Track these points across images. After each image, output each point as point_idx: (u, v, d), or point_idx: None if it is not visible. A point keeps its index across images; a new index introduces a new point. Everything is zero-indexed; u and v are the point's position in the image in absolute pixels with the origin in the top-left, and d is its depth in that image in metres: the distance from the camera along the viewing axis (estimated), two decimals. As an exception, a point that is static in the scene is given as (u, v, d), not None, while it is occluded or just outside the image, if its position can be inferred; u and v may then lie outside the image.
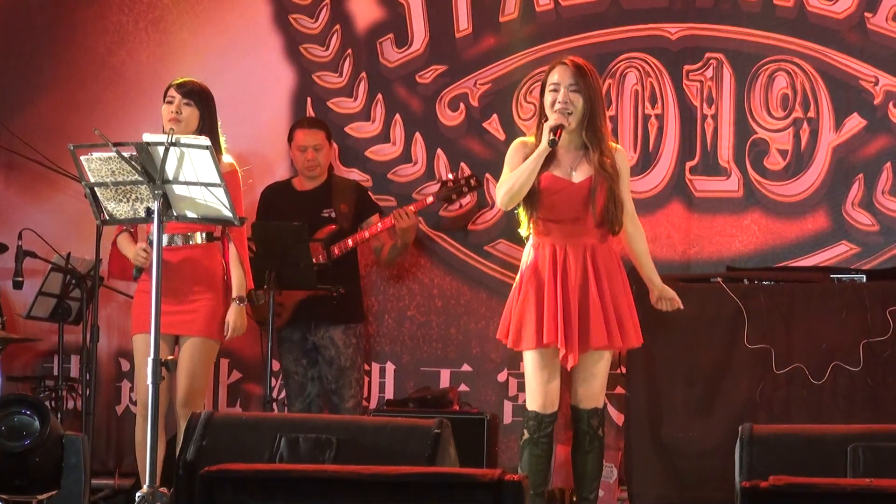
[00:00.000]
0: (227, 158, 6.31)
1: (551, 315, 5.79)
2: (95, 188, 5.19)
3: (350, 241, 7.56)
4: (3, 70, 8.34)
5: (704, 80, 7.91)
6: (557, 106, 5.82)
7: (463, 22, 8.09)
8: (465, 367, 8.02)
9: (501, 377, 7.98)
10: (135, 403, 6.61)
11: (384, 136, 8.13)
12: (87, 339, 7.43)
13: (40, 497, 5.39)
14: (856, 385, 6.99)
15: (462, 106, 8.07)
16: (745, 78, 7.86)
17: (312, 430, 4.94)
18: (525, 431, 5.90)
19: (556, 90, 5.85)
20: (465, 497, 4.47)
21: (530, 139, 5.94)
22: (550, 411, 5.87)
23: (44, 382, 7.83)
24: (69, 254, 7.55)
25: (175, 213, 5.19)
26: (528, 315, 5.83)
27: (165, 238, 6.05)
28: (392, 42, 8.13)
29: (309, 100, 8.17)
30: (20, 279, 7.59)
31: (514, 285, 5.97)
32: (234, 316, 6.32)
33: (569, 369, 5.87)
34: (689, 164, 7.90)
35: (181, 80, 6.38)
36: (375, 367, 8.07)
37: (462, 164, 7.96)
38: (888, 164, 7.77)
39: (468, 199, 8.01)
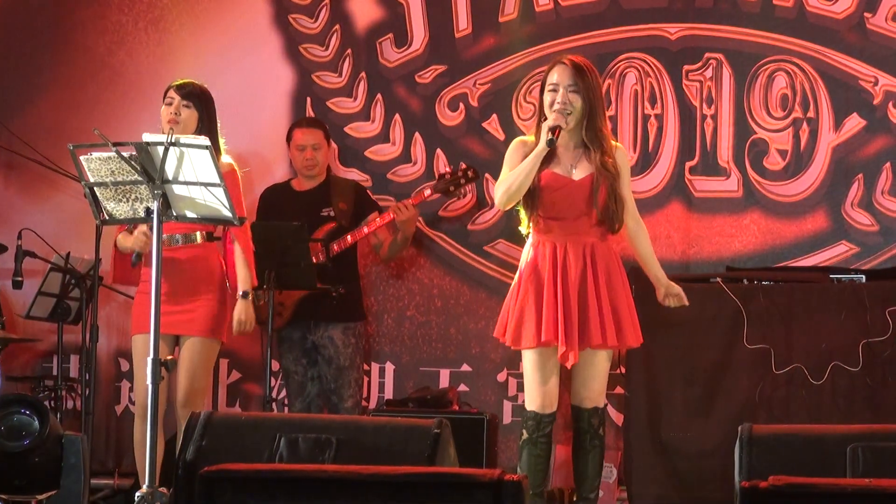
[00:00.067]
0: (225, 159, 6.31)
1: (551, 313, 5.79)
2: (95, 188, 5.18)
3: (349, 238, 7.56)
4: (3, 70, 8.34)
5: (704, 80, 7.91)
6: (556, 106, 5.82)
7: (462, 22, 8.09)
8: (465, 367, 8.02)
9: (501, 377, 7.98)
10: (134, 403, 6.60)
11: (384, 136, 8.13)
12: (86, 338, 7.43)
13: (40, 497, 5.39)
14: (855, 385, 6.99)
15: (462, 106, 8.07)
16: (745, 78, 7.86)
17: (312, 430, 4.94)
18: (524, 431, 5.90)
19: (555, 90, 5.85)
20: (465, 497, 4.47)
21: (530, 138, 5.94)
22: (549, 411, 5.87)
23: (43, 382, 7.82)
24: (69, 254, 7.55)
25: (175, 213, 5.18)
26: (528, 313, 5.83)
27: (165, 237, 6.05)
28: (392, 42, 8.13)
29: (308, 100, 8.18)
30: (20, 279, 7.59)
31: (514, 283, 5.97)
32: (240, 311, 6.32)
33: (568, 367, 5.87)
34: (688, 164, 7.91)
35: (181, 82, 6.38)
36: (375, 366, 8.07)
37: (461, 164, 7.95)
38: (888, 165, 7.77)
39: (468, 198, 8.02)
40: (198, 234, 6.30)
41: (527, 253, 5.94)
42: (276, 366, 7.60)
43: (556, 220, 5.88)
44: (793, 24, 7.84)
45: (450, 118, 8.09)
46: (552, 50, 7.89)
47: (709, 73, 7.90)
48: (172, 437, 6.63)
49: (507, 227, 7.82)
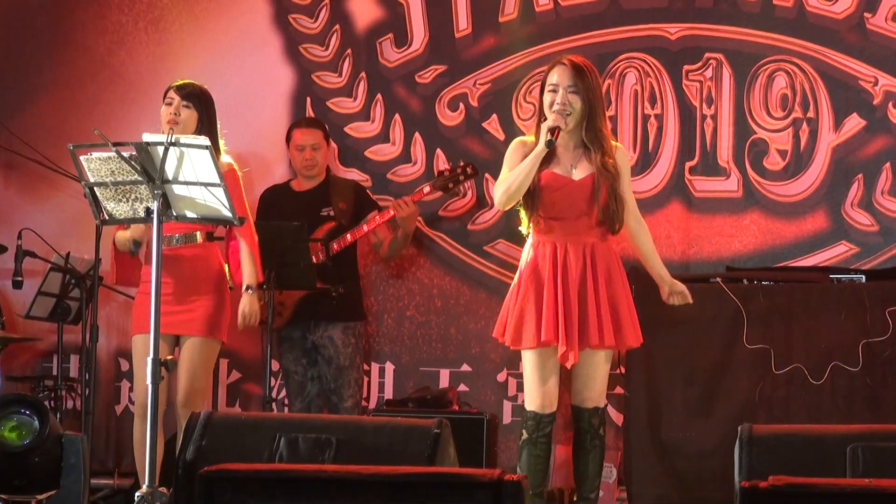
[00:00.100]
0: (225, 158, 6.31)
1: (550, 313, 5.79)
2: (95, 188, 5.18)
3: (349, 236, 7.57)
4: (3, 70, 8.34)
5: (704, 80, 7.91)
6: (555, 107, 5.82)
7: (462, 22, 8.09)
8: (465, 367, 8.02)
9: (501, 377, 7.98)
10: (134, 403, 6.60)
11: (384, 136, 8.13)
12: (86, 338, 7.43)
13: (39, 497, 5.39)
14: (855, 385, 6.99)
15: (461, 106, 8.08)
16: (745, 78, 7.86)
17: (312, 429, 4.94)
18: (524, 431, 5.90)
19: (554, 91, 5.85)
20: (465, 497, 4.47)
21: (530, 138, 5.94)
22: (549, 411, 5.87)
23: (43, 382, 7.82)
24: (69, 253, 7.55)
25: (175, 213, 5.18)
26: (528, 313, 5.83)
27: (165, 237, 6.05)
28: (392, 42, 8.13)
29: (308, 100, 8.18)
30: (20, 279, 7.59)
31: (513, 283, 5.97)
32: (244, 305, 6.31)
33: (568, 367, 5.87)
34: (688, 165, 7.91)
35: (181, 83, 6.38)
36: (375, 366, 8.07)
37: (460, 161, 7.95)
38: (887, 165, 7.77)
39: (469, 198, 8.02)
40: (198, 233, 6.30)
41: (527, 253, 5.94)
42: (275, 366, 7.60)
43: (557, 220, 5.88)
44: (793, 24, 7.84)
45: (450, 118, 8.09)
46: (552, 50, 7.89)
47: (709, 73, 7.90)
48: (172, 437, 6.63)
49: (507, 227, 7.82)
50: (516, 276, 5.97)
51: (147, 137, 5.08)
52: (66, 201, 8.09)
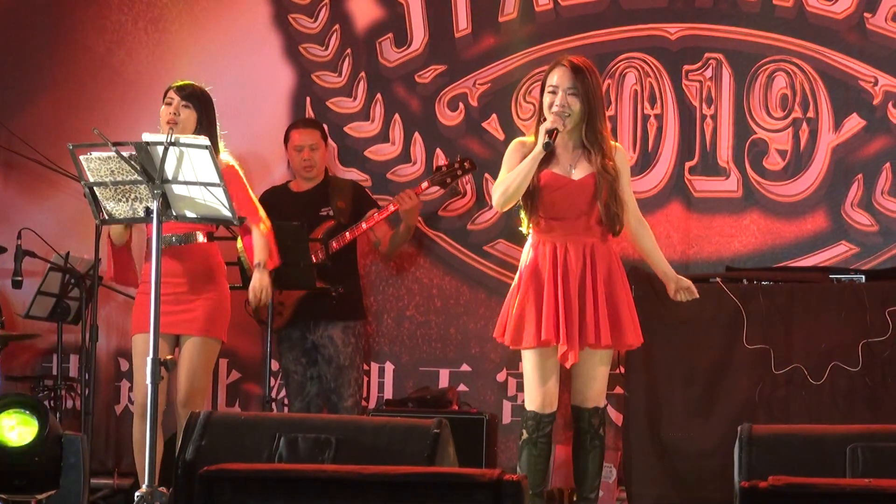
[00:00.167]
0: (224, 157, 6.30)
1: (551, 313, 5.78)
2: (95, 188, 5.19)
3: (348, 235, 7.57)
4: (3, 70, 8.34)
5: (704, 80, 7.91)
6: (555, 108, 5.82)
7: (462, 22, 8.09)
8: (465, 367, 8.02)
9: (500, 377, 7.98)
10: (134, 403, 6.60)
11: (383, 136, 8.13)
12: (86, 338, 7.43)
13: (39, 497, 5.39)
14: (855, 385, 6.99)
15: (461, 106, 8.08)
16: (745, 78, 7.86)
17: (311, 429, 4.93)
18: (524, 431, 5.90)
19: (554, 92, 5.84)
20: (464, 497, 4.46)
21: (529, 139, 5.94)
22: (549, 411, 5.87)
23: (43, 382, 7.82)
24: (68, 253, 7.55)
25: (174, 213, 5.19)
26: (528, 313, 5.82)
27: (165, 237, 6.05)
28: (391, 42, 8.13)
29: (308, 99, 8.18)
30: (19, 279, 7.59)
31: (514, 284, 5.96)
32: (256, 280, 6.25)
33: (568, 367, 5.86)
34: (688, 165, 7.91)
35: (181, 83, 6.37)
36: (374, 366, 8.07)
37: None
38: (887, 165, 7.77)
39: (468, 198, 8.02)
40: (198, 233, 6.29)
41: (527, 253, 5.94)
42: (275, 366, 7.60)
43: (556, 221, 5.88)
44: (793, 24, 7.84)
45: (449, 118, 8.09)
46: (552, 50, 7.89)
47: (708, 73, 7.90)
48: (172, 437, 6.63)
49: (507, 227, 7.82)
50: (516, 277, 5.96)
51: (147, 137, 5.08)
52: (66, 201, 8.09)
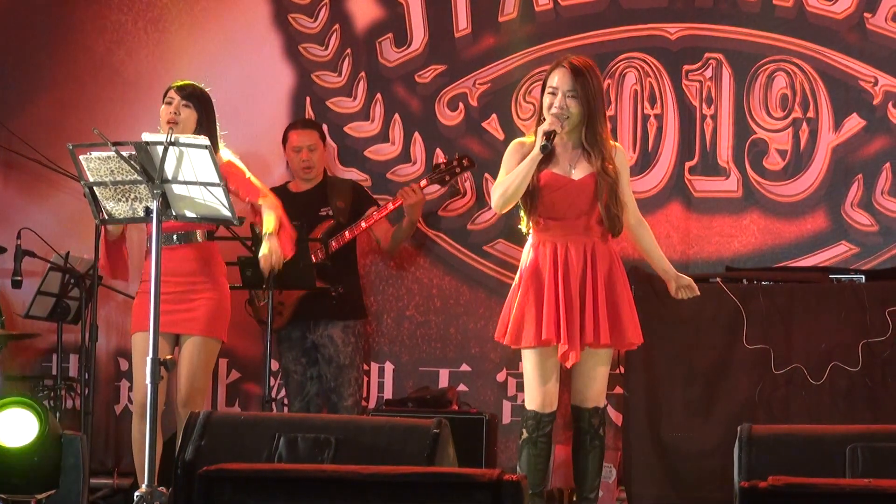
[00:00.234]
0: (224, 154, 6.30)
1: (551, 312, 5.78)
2: (94, 187, 5.19)
3: (347, 234, 7.57)
4: (3, 69, 8.34)
5: (704, 80, 7.91)
6: (553, 110, 5.81)
7: (462, 22, 8.09)
8: (464, 367, 8.02)
9: (500, 377, 7.98)
10: (133, 402, 6.60)
11: (383, 136, 8.13)
12: (85, 338, 7.43)
13: (39, 496, 5.39)
14: (855, 385, 6.99)
15: (461, 106, 8.07)
16: (745, 78, 7.86)
17: (311, 429, 4.93)
18: (524, 431, 5.90)
19: (553, 94, 5.84)
20: (464, 497, 4.46)
21: (528, 139, 5.93)
22: (549, 411, 5.87)
23: (42, 382, 7.82)
24: (68, 253, 7.54)
25: (174, 213, 5.19)
26: (528, 313, 5.82)
27: (165, 236, 6.04)
28: (391, 42, 8.13)
29: (308, 99, 8.18)
30: (19, 278, 7.59)
31: (514, 284, 5.96)
32: (265, 247, 6.20)
33: (568, 367, 5.86)
34: (688, 165, 7.91)
35: (181, 83, 6.37)
36: (374, 366, 8.07)
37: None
38: (887, 165, 7.77)
39: (468, 198, 8.02)
40: (197, 232, 6.29)
41: (527, 253, 5.94)
42: (275, 365, 7.60)
43: (557, 220, 5.88)
44: (793, 24, 7.84)
45: (449, 118, 8.09)
46: (552, 50, 7.89)
47: (708, 73, 7.90)
48: (172, 437, 6.63)
49: (507, 227, 7.82)
50: (517, 277, 5.96)
51: (146, 137, 5.08)
52: (66, 201, 8.09)
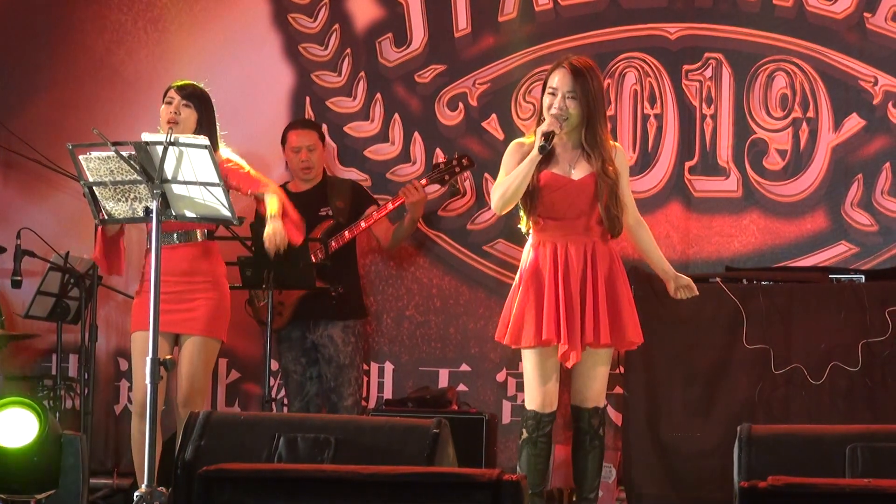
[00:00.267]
0: (223, 152, 6.29)
1: (551, 312, 5.78)
2: (94, 187, 5.19)
3: (347, 234, 7.57)
4: (3, 69, 8.34)
5: (703, 79, 7.91)
6: (553, 111, 5.81)
7: (462, 21, 8.09)
8: (464, 367, 8.02)
9: (500, 377, 7.98)
10: (133, 402, 6.59)
11: (383, 136, 8.13)
12: (85, 338, 7.43)
13: (38, 496, 5.39)
14: (854, 385, 6.99)
15: (461, 105, 8.07)
16: (745, 78, 7.86)
17: (311, 429, 4.93)
18: (523, 431, 5.89)
19: (553, 94, 5.83)
20: (464, 497, 4.46)
21: (528, 140, 5.93)
22: (549, 411, 5.87)
23: (42, 382, 7.82)
24: (68, 253, 7.54)
25: (174, 213, 5.19)
26: (528, 313, 5.82)
27: (165, 236, 6.04)
28: (391, 41, 8.13)
29: (308, 99, 8.17)
30: (19, 278, 7.58)
31: (514, 284, 5.96)
32: (269, 228, 6.15)
33: (569, 367, 5.86)
34: (688, 164, 7.90)
35: (182, 83, 6.37)
36: (374, 366, 8.06)
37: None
38: (887, 165, 7.77)
39: (468, 197, 8.02)
40: (197, 232, 6.28)
41: (527, 254, 5.93)
42: (275, 365, 7.60)
43: (556, 221, 5.87)
44: (792, 24, 7.84)
45: (449, 118, 8.09)
46: (551, 50, 7.89)
47: (708, 72, 7.89)
48: (171, 437, 6.63)
49: (507, 227, 7.82)
50: (517, 277, 5.96)
51: (146, 137, 5.08)
52: (66, 201, 8.09)
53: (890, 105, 7.76)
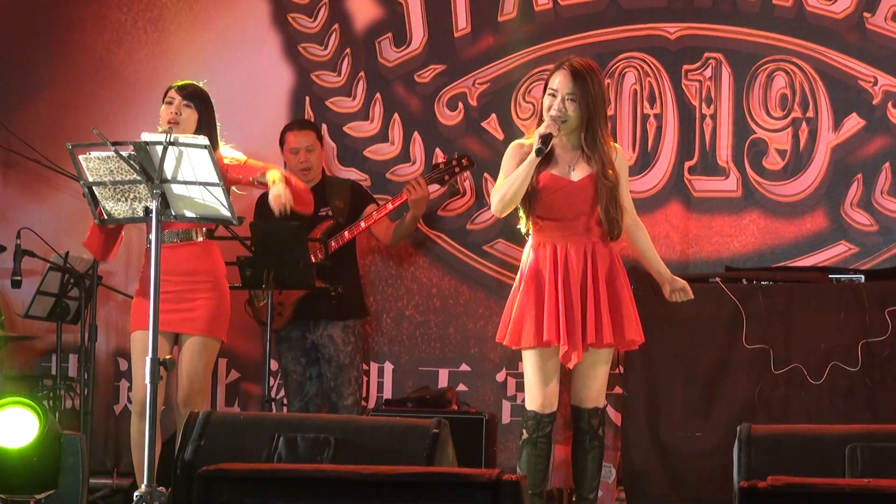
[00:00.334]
0: (224, 151, 6.29)
1: (552, 313, 5.78)
2: (94, 187, 5.18)
3: (346, 234, 7.57)
4: (2, 69, 8.34)
5: (703, 79, 7.90)
6: (552, 113, 5.80)
7: (462, 21, 8.09)
8: (464, 367, 8.02)
9: (500, 377, 7.98)
10: (132, 402, 6.59)
11: (382, 136, 8.13)
12: (85, 338, 7.43)
13: (38, 496, 5.39)
14: (854, 385, 6.99)
15: (460, 105, 8.07)
16: (744, 78, 7.86)
17: (310, 429, 4.93)
18: (524, 431, 5.89)
19: (553, 95, 5.82)
20: (464, 497, 4.46)
21: (527, 140, 5.92)
22: (549, 411, 5.87)
23: (42, 382, 7.82)
24: (67, 253, 7.54)
25: (173, 213, 5.18)
26: (528, 314, 5.82)
27: (165, 235, 6.05)
28: (391, 41, 8.13)
29: (307, 99, 8.17)
30: (18, 278, 7.58)
31: (514, 285, 5.96)
32: (274, 189, 6.07)
33: (570, 368, 5.86)
34: (687, 164, 7.90)
35: (182, 83, 6.36)
36: (374, 366, 8.07)
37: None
38: (887, 164, 7.77)
39: (468, 197, 8.02)
40: (197, 231, 6.28)
41: (527, 255, 5.93)
42: (274, 365, 7.59)
43: (556, 221, 5.87)
44: (792, 24, 7.84)
45: (449, 118, 8.09)
46: (551, 49, 7.89)
47: (708, 72, 7.89)
48: (171, 437, 6.63)
49: (507, 227, 7.81)
50: (517, 278, 5.96)
51: (146, 137, 5.08)
52: (65, 201, 8.09)
53: (890, 105, 7.76)
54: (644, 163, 7.91)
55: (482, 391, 7.98)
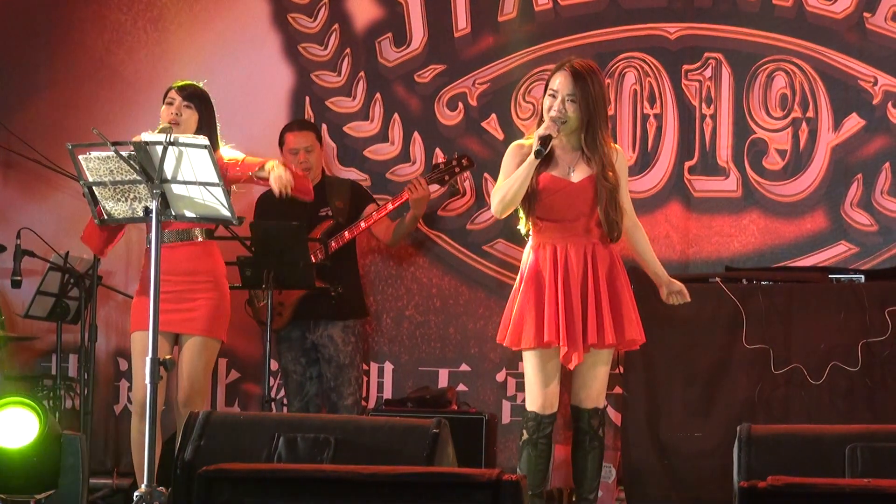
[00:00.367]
0: (224, 151, 6.29)
1: (552, 314, 5.77)
2: (94, 187, 5.18)
3: (346, 234, 7.57)
4: (2, 69, 8.34)
5: (703, 79, 7.91)
6: (552, 113, 5.80)
7: (462, 21, 8.09)
8: (464, 367, 8.02)
9: (500, 377, 7.98)
10: (132, 402, 6.59)
11: (382, 136, 8.13)
12: (85, 338, 7.43)
13: (38, 496, 5.39)
14: (854, 385, 6.99)
15: (460, 105, 8.07)
16: (744, 78, 7.86)
17: (310, 429, 4.93)
18: (524, 432, 5.89)
19: (554, 96, 5.82)
20: (463, 497, 4.46)
21: (527, 141, 5.91)
22: (550, 412, 5.86)
23: (42, 382, 7.82)
24: (67, 253, 7.54)
25: (173, 213, 5.18)
26: (529, 315, 5.81)
27: (165, 235, 6.05)
28: (391, 41, 8.13)
29: (307, 99, 8.17)
30: (18, 278, 7.59)
31: (515, 286, 5.95)
32: (275, 171, 6.09)
33: (570, 368, 5.86)
34: (687, 164, 7.90)
35: (182, 83, 6.36)
36: (374, 366, 8.07)
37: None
38: (887, 164, 7.77)
39: (468, 197, 8.02)
40: (197, 231, 6.28)
41: (527, 256, 5.93)
42: (274, 365, 7.59)
43: (556, 222, 5.87)
44: (792, 24, 7.84)
45: (449, 118, 8.09)
46: (551, 49, 7.89)
47: (708, 72, 7.89)
48: (171, 437, 6.63)
49: (507, 227, 7.81)
50: (517, 279, 5.95)
51: (146, 137, 5.08)
52: (65, 201, 8.09)
53: (889, 105, 7.76)
54: (644, 163, 7.91)
55: (482, 391, 7.98)
